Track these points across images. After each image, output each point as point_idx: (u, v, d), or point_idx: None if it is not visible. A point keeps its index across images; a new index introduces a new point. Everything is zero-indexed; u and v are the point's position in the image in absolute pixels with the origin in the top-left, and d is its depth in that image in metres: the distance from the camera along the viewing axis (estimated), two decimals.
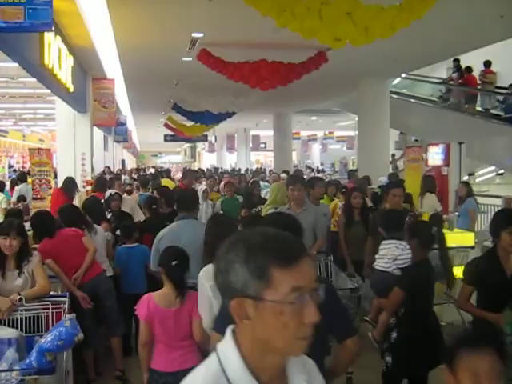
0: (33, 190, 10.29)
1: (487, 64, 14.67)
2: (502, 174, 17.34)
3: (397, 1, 5.77)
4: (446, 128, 14.71)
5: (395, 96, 16.38)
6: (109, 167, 19.32)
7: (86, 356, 4.93)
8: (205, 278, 3.17)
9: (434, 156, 11.19)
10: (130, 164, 39.17)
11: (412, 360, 3.74)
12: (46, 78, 7.87)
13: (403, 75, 16.77)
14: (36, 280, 4.14)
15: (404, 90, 18.19)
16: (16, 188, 12.09)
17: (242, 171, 22.24)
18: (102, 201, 7.52)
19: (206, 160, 44.24)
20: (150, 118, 25.23)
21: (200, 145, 41.16)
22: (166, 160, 56.22)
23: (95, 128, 13.90)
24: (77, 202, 8.82)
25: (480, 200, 10.19)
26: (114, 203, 7.31)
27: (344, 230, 6.28)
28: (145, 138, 40.21)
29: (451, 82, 16.06)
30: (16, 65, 7.92)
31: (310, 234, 5.49)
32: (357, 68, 12.03)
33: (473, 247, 6.75)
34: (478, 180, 17.36)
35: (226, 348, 1.28)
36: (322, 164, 38.73)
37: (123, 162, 32.45)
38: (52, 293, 4.31)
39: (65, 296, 4.26)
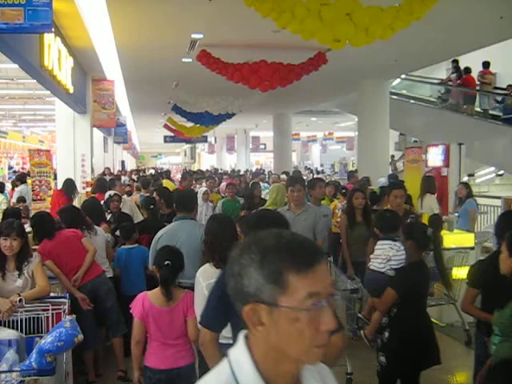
0: (33, 191, 10.29)
1: (486, 65, 14.68)
2: (501, 174, 17.35)
3: (396, 2, 5.78)
4: (445, 129, 14.72)
5: (395, 97, 16.40)
6: (109, 168, 19.32)
7: (85, 357, 4.94)
8: (202, 277, 3.19)
9: (434, 157, 11.17)
10: (130, 165, 39.15)
11: (403, 360, 3.76)
12: (46, 79, 7.87)
13: (403, 76, 16.78)
14: (36, 281, 4.14)
15: (404, 91, 18.20)
16: (16, 189, 12.09)
17: (242, 172, 22.22)
18: (102, 202, 7.51)
19: (206, 161, 44.25)
20: (150, 119, 25.23)
21: (200, 146, 41.16)
22: (165, 161, 56.22)
23: (95, 129, 13.91)
24: (76, 203, 8.83)
25: (480, 201, 10.20)
26: (114, 204, 7.31)
27: (346, 231, 6.27)
28: (144, 139, 40.22)
29: (450, 83, 16.07)
30: (16, 66, 7.93)
31: (310, 234, 5.49)
32: (357, 69, 12.04)
33: (472, 248, 6.75)
34: (477, 181, 17.36)
35: (238, 355, 1.23)
36: (321, 165, 38.75)
37: (123, 163, 32.44)
38: (51, 294, 4.31)
39: (65, 297, 4.26)
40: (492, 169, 17.33)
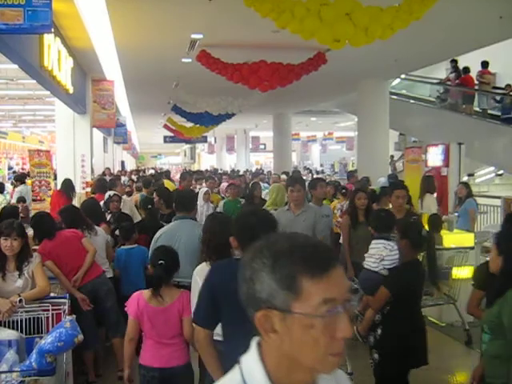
0: (32, 191, 10.29)
1: (484, 64, 14.68)
2: (501, 174, 17.36)
3: (396, 2, 5.78)
4: (445, 129, 14.73)
5: (395, 97, 16.40)
6: (109, 168, 19.33)
7: (86, 357, 4.94)
8: (199, 275, 3.21)
9: (434, 157, 11.18)
10: (130, 165, 39.15)
11: (395, 357, 3.77)
12: (46, 79, 7.87)
13: (402, 76, 16.78)
14: (36, 281, 4.14)
15: (403, 91, 18.20)
16: (16, 189, 12.09)
17: (241, 172, 22.20)
18: (102, 202, 7.51)
19: (206, 161, 44.27)
20: (150, 120, 25.24)
21: (200, 146, 41.17)
22: (165, 161, 56.23)
23: (95, 129, 13.91)
24: (76, 203, 8.83)
25: (479, 200, 10.20)
26: (113, 205, 7.31)
27: (349, 232, 6.25)
28: (144, 140, 40.24)
29: (448, 83, 16.08)
30: (16, 66, 7.93)
31: (310, 235, 5.48)
32: (356, 69, 12.04)
33: (472, 248, 6.75)
34: (477, 181, 17.37)
35: (250, 362, 1.19)
36: (321, 165, 38.76)
37: (123, 163, 32.45)
38: (51, 294, 4.31)
39: (65, 297, 4.27)
40: (492, 168, 17.34)
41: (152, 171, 28.17)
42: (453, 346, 6.19)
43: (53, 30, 5.67)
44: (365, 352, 4.94)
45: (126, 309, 3.64)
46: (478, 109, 14.93)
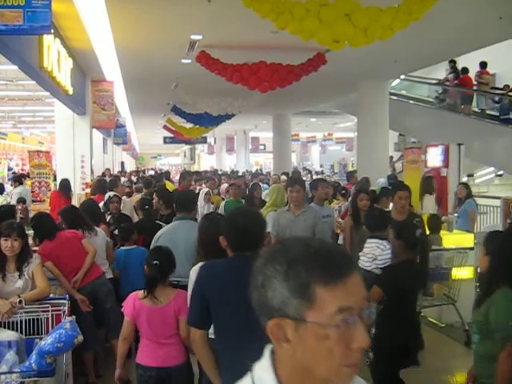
0: (32, 192, 10.30)
1: (483, 65, 14.68)
2: (501, 175, 17.36)
3: (395, 2, 5.78)
4: (444, 129, 14.73)
5: (394, 97, 16.40)
6: (109, 169, 19.32)
7: (85, 358, 4.94)
8: (195, 275, 3.21)
9: (434, 157, 11.18)
10: (130, 166, 39.15)
11: (389, 357, 3.78)
12: (46, 80, 7.87)
13: (402, 76, 16.79)
14: (36, 282, 4.14)
15: (403, 92, 18.21)
16: (14, 191, 12.07)
17: (240, 173, 22.17)
18: (102, 203, 7.51)
19: (206, 162, 44.27)
20: (150, 120, 25.24)
21: (199, 147, 41.16)
22: (165, 162, 56.24)
23: (94, 130, 13.90)
24: (76, 204, 8.83)
25: (479, 201, 10.20)
26: (113, 206, 7.30)
27: (351, 233, 6.23)
28: (144, 140, 40.23)
29: (447, 83, 16.08)
30: (15, 67, 7.94)
31: (310, 235, 5.49)
32: (356, 69, 12.04)
33: (472, 248, 6.75)
34: (477, 181, 17.38)
35: (262, 371, 1.15)
36: (321, 166, 38.74)
37: (122, 164, 32.45)
38: (51, 295, 4.31)
39: (64, 298, 4.27)
40: (491, 169, 17.34)
41: (152, 172, 28.18)
42: (452, 346, 6.19)
43: (52, 30, 5.67)
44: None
45: (122, 309, 3.65)
46: (476, 109, 14.93)
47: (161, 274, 3.58)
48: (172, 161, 56.26)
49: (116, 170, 25.46)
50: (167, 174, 16.89)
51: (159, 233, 4.76)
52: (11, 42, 5.83)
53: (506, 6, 7.61)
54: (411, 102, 17.38)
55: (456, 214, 8.86)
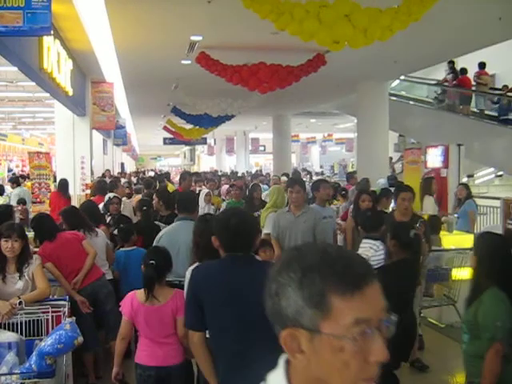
0: (32, 193, 10.30)
1: (482, 65, 14.68)
2: (501, 175, 17.36)
3: (395, 3, 5.79)
4: (444, 130, 14.73)
5: (394, 98, 16.41)
6: (109, 170, 19.33)
7: (86, 359, 4.94)
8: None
9: (433, 158, 11.18)
10: (130, 167, 39.16)
11: None
12: (45, 81, 7.88)
13: (402, 77, 16.80)
14: (36, 283, 4.14)
15: (403, 92, 18.22)
16: (13, 192, 12.05)
17: (239, 174, 22.15)
18: (102, 204, 7.50)
19: (206, 163, 44.29)
20: (149, 121, 25.25)
21: (199, 148, 41.17)
22: (165, 163, 56.26)
23: (94, 131, 13.91)
24: (76, 204, 8.83)
25: (479, 202, 10.20)
26: (113, 207, 7.30)
27: (353, 234, 6.21)
28: (144, 141, 40.24)
29: (446, 84, 16.09)
30: (15, 69, 7.94)
31: (310, 236, 5.49)
32: (356, 70, 12.05)
33: (472, 249, 6.74)
34: (477, 182, 17.38)
35: (276, 381, 1.10)
36: (321, 166, 38.74)
37: (122, 165, 32.45)
38: (51, 296, 4.31)
39: (64, 299, 4.27)
40: (491, 170, 17.34)
41: (152, 173, 28.19)
42: (452, 347, 6.17)
43: (52, 32, 5.67)
44: None
45: (120, 309, 3.66)
46: (475, 109, 14.93)
47: (157, 274, 3.60)
48: (172, 162, 56.28)
49: (116, 171, 25.47)
50: (167, 175, 16.89)
51: (161, 233, 4.78)
52: (11, 44, 5.83)
53: (505, 7, 7.61)
54: (411, 102, 17.39)
55: (456, 215, 8.87)
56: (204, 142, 29.72)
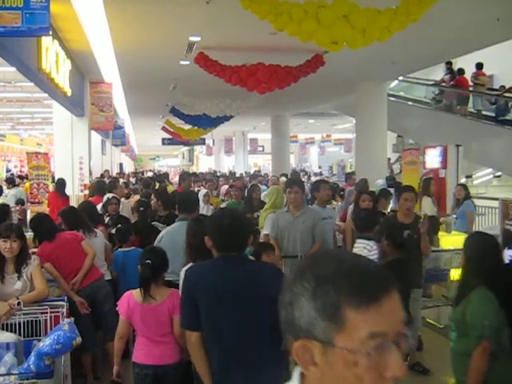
0: (31, 193, 10.29)
1: (479, 66, 14.70)
2: (499, 176, 17.37)
3: (393, 4, 5.79)
4: (442, 130, 14.74)
5: (392, 99, 16.42)
6: (108, 171, 19.32)
7: (84, 360, 4.93)
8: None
9: (432, 159, 11.19)
10: (128, 167, 39.14)
11: None
12: (44, 82, 7.87)
13: (400, 78, 16.81)
14: (34, 284, 4.14)
15: (401, 93, 18.23)
16: (10, 193, 12.03)
17: (238, 174, 22.14)
18: (101, 205, 7.49)
19: (204, 163, 44.29)
20: (148, 122, 25.24)
21: (198, 148, 41.18)
22: (163, 163, 56.24)
23: (93, 132, 13.91)
24: (75, 205, 8.82)
25: (477, 202, 10.21)
26: (112, 207, 7.29)
27: (352, 235, 6.19)
28: (142, 142, 40.23)
29: (443, 84, 16.10)
30: (13, 69, 7.93)
31: (309, 237, 5.49)
32: (354, 71, 12.06)
33: None
34: (475, 182, 17.39)
35: None
36: (320, 167, 38.76)
37: (121, 165, 32.44)
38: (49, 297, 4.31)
39: (63, 300, 4.26)
40: (490, 170, 17.35)
41: (150, 173, 28.19)
42: None
43: (51, 32, 5.68)
44: None
45: (117, 308, 3.67)
46: (472, 110, 14.95)
47: (153, 274, 3.62)
48: (170, 162, 56.25)
49: (115, 171, 25.46)
50: (166, 176, 16.89)
51: (161, 233, 4.79)
52: (9, 44, 5.82)
53: (503, 8, 7.63)
54: (409, 103, 17.40)
55: (454, 215, 8.87)
56: (202, 142, 29.74)
